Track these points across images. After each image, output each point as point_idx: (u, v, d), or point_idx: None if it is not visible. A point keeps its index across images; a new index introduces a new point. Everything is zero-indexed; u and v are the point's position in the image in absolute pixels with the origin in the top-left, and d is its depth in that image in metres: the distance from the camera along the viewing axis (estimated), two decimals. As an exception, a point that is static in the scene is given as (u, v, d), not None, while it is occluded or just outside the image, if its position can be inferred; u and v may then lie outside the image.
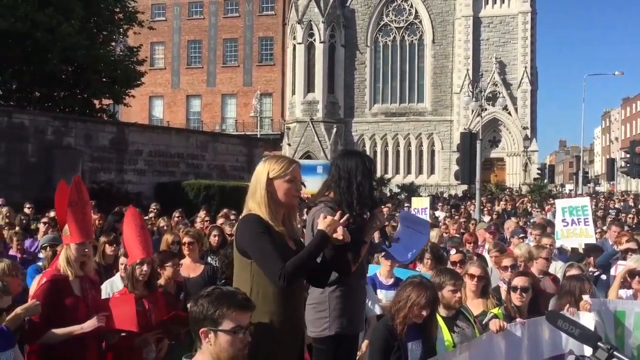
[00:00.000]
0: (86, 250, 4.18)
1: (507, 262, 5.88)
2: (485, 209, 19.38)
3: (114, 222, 9.16)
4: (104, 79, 22.03)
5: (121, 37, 24.89)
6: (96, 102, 22.97)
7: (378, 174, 42.20)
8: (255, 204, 3.05)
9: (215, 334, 2.46)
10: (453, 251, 6.42)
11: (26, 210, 11.16)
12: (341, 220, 2.98)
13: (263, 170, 3.10)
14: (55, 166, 15.70)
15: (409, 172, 46.53)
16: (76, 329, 3.99)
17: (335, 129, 45.55)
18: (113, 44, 24.50)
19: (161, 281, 4.92)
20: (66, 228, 4.15)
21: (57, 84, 21.36)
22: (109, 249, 6.40)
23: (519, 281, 4.71)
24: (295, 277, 2.90)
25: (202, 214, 12.23)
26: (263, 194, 3.04)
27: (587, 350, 2.36)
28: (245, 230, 3.00)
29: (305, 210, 7.34)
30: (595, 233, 9.40)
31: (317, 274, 3.18)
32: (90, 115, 21.69)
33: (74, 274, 4.10)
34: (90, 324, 3.99)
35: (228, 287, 2.63)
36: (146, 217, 11.15)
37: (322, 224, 2.97)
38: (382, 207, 6.08)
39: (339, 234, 2.96)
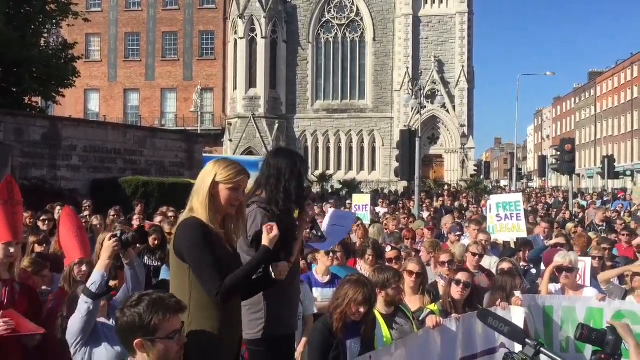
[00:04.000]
0: (12, 250, 3.97)
1: (444, 257, 6.01)
2: (425, 205, 19.79)
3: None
4: (35, 75, 21.08)
5: (54, 28, 23.91)
6: (26, 98, 22.00)
7: (320, 170, 42.43)
8: (199, 204, 3.03)
9: (152, 343, 2.40)
10: (388, 248, 6.51)
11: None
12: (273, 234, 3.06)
13: (211, 171, 3.08)
14: (-17, 162, 14.98)
15: (350, 168, 46.96)
16: None
17: (277, 125, 45.43)
18: (45, 35, 23.51)
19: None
20: None
21: None
22: (38, 249, 6.16)
23: (462, 276, 4.85)
24: (233, 295, 2.92)
25: (137, 210, 11.96)
26: (206, 195, 3.02)
27: (518, 346, 2.45)
28: (186, 236, 2.96)
29: None
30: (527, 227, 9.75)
31: (249, 290, 3.19)
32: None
33: None
34: None
35: (153, 291, 2.54)
36: (81, 215, 10.80)
37: (266, 239, 3.00)
38: (320, 203, 6.10)
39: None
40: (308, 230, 3.76)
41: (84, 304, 3.34)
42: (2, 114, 17.03)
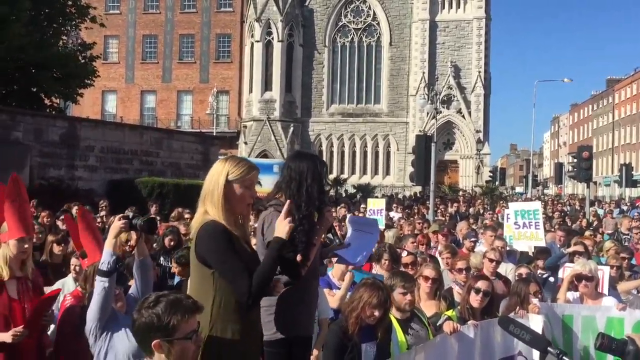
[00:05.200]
0: (26, 246, 3.98)
1: (461, 264, 5.96)
2: (439, 210, 19.70)
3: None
4: (55, 76, 21.30)
5: (73, 30, 24.15)
6: (46, 99, 22.23)
7: (334, 174, 42.40)
8: (213, 206, 2.96)
9: (170, 344, 2.40)
10: (405, 253, 6.47)
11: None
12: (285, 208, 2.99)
13: (222, 170, 3.00)
14: (2, 161, 15.14)
15: (364, 172, 46.88)
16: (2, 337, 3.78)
17: (292, 129, 45.49)
18: (65, 37, 23.76)
19: None
20: (4, 226, 3.96)
21: (4, 80, 20.57)
22: (56, 248, 6.21)
23: (482, 284, 4.77)
24: (262, 295, 2.92)
25: (152, 210, 12.02)
26: (220, 195, 2.95)
27: (535, 353, 2.41)
28: (208, 242, 2.90)
29: (254, 213, 7.17)
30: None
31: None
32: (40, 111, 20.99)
33: (9, 274, 3.89)
34: (7, 337, 3.76)
35: (169, 292, 2.55)
36: (97, 215, 10.88)
37: (279, 229, 2.95)
38: (334, 207, 6.08)
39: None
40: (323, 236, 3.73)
41: (99, 283, 3.41)
42: (21, 114, 17.23)
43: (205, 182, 3.06)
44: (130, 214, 3.56)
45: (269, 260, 2.92)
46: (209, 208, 2.96)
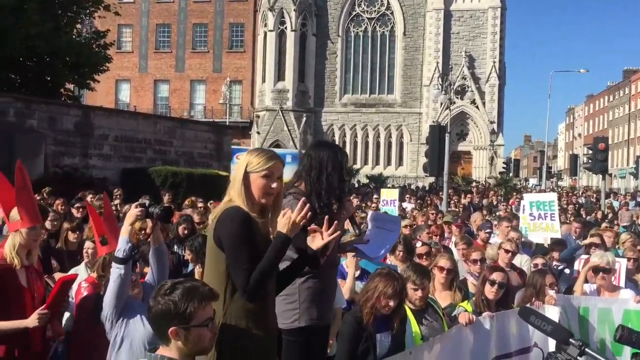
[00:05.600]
0: (37, 234, 4.01)
1: (475, 255, 5.92)
2: (452, 201, 19.62)
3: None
4: (69, 64, 21.40)
5: (87, 19, 24.22)
6: (60, 87, 22.34)
7: (348, 163, 42.24)
8: (235, 194, 2.98)
9: (186, 331, 2.40)
10: (419, 244, 6.44)
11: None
12: (302, 213, 2.87)
13: (244, 161, 3.03)
14: (17, 149, 15.25)
15: (377, 163, 46.77)
16: (21, 324, 3.81)
17: (304, 119, 45.44)
18: (79, 26, 23.84)
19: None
20: (13, 214, 3.95)
21: (19, 68, 20.71)
22: (71, 236, 6.25)
23: (497, 276, 4.72)
24: (260, 289, 2.86)
25: (165, 199, 12.07)
26: (240, 186, 2.97)
27: (551, 345, 2.38)
28: (231, 225, 2.89)
29: None
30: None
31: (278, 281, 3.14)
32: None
33: (20, 262, 3.90)
34: (32, 322, 3.79)
35: (185, 279, 2.54)
36: (111, 203, 10.93)
37: (280, 223, 2.90)
38: (350, 197, 6.06)
39: (319, 245, 3.00)
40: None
41: (115, 269, 3.45)
42: (36, 102, 17.33)
43: (232, 173, 3.09)
44: (147, 202, 3.56)
45: (270, 254, 2.89)
46: (233, 195, 2.99)
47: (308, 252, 3.09)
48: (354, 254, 5.57)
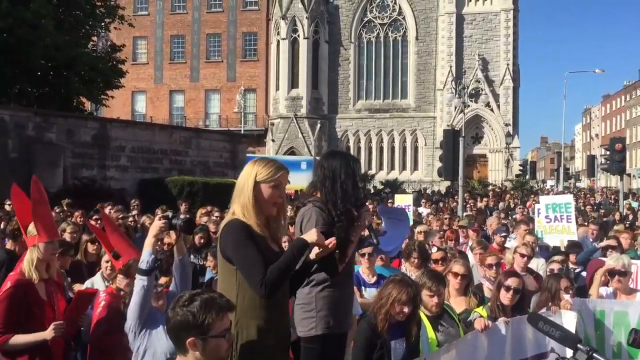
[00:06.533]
0: (55, 248, 4.08)
1: (491, 260, 5.90)
2: (468, 205, 19.51)
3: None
4: (84, 78, 21.68)
5: (102, 31, 24.57)
6: (74, 100, 22.63)
7: (362, 170, 42.22)
8: (240, 206, 3.03)
9: (204, 342, 2.44)
10: (434, 249, 6.44)
11: (7, 208, 11.02)
12: (329, 247, 3.03)
13: (251, 172, 3.07)
14: (37, 162, 15.51)
15: (392, 168, 46.67)
16: (39, 337, 3.88)
17: (319, 125, 45.52)
18: (94, 39, 24.19)
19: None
20: (31, 229, 4.01)
21: (37, 81, 21.03)
22: (91, 247, 6.34)
23: (512, 282, 4.70)
24: (277, 286, 2.90)
25: (182, 209, 12.18)
26: (249, 196, 3.02)
27: (569, 350, 2.40)
28: (229, 237, 2.98)
29: (293, 209, 7.31)
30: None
31: (292, 282, 3.18)
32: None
33: (39, 277, 3.96)
34: (49, 334, 3.86)
35: (203, 290, 2.60)
36: (129, 214, 11.08)
37: (308, 235, 2.99)
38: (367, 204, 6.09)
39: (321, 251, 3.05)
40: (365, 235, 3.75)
41: (138, 281, 3.48)
42: (54, 115, 17.61)
43: (237, 184, 3.13)
44: (170, 214, 3.63)
45: (288, 254, 2.96)
46: (236, 208, 3.04)
47: (306, 261, 3.14)
48: (374, 259, 5.64)
